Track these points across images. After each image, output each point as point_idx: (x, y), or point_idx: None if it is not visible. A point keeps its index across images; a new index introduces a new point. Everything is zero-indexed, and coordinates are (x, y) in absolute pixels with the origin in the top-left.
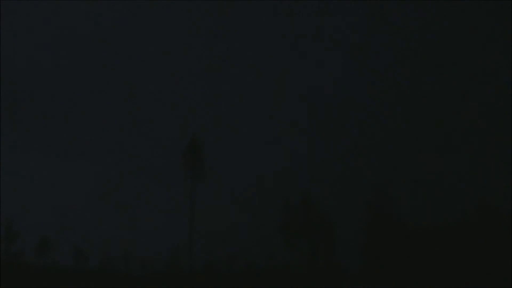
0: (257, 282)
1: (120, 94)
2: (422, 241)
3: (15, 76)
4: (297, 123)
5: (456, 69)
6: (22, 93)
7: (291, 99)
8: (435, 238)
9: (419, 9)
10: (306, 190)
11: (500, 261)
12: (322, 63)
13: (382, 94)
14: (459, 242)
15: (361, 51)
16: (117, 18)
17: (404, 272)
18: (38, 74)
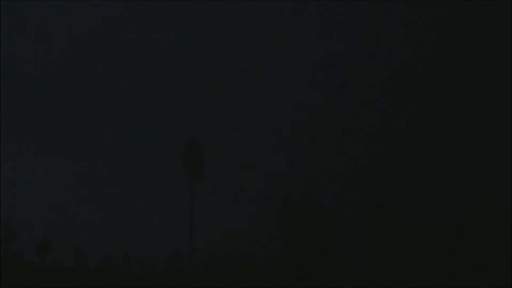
0: (257, 282)
1: (120, 95)
2: (422, 241)
3: (16, 76)
4: (297, 123)
5: (456, 69)
6: (23, 93)
7: (291, 98)
8: (435, 238)
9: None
10: (306, 190)
11: (500, 261)
12: (322, 61)
13: (382, 94)
14: (459, 242)
15: (357, 51)
16: (117, 18)
17: (404, 272)
18: (39, 74)
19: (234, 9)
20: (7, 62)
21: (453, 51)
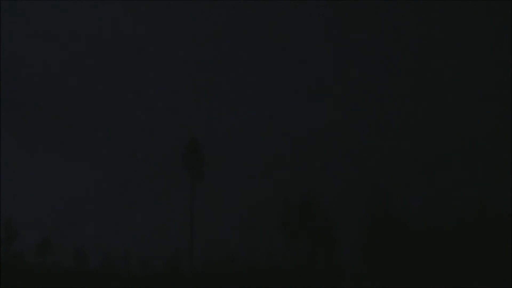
0: (257, 282)
1: (120, 95)
2: (422, 241)
3: (16, 76)
4: (296, 123)
5: (455, 69)
6: (23, 93)
7: (292, 99)
8: (435, 238)
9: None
10: (306, 190)
11: (500, 261)
12: (323, 65)
13: (382, 95)
14: (459, 242)
15: (361, 54)
16: (117, 19)
17: (404, 272)
18: (39, 74)
19: (236, 10)
20: (7, 62)
21: (453, 50)
